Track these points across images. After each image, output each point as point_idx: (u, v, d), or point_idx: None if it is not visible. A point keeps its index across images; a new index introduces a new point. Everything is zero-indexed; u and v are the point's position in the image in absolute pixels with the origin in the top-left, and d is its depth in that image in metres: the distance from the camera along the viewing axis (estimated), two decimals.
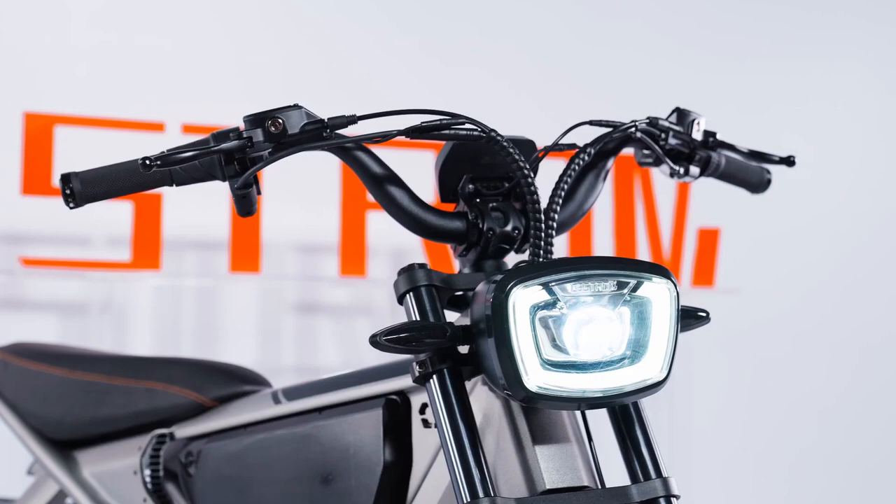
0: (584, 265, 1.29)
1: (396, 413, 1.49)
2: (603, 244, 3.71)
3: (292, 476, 1.60)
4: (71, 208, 1.39)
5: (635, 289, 1.30)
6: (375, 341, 1.29)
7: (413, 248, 3.45)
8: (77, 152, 2.71)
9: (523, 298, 1.26)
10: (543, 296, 1.27)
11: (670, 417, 3.99)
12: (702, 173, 1.63)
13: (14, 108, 3.16)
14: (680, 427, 4.00)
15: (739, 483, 4.10)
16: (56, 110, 3.17)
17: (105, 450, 1.93)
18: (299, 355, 3.66)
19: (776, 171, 4.36)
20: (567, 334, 1.28)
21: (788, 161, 1.66)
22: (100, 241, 3.38)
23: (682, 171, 1.59)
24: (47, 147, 3.08)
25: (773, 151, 1.68)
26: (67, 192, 1.37)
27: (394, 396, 1.50)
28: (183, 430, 1.81)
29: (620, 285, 1.30)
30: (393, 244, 3.64)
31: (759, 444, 4.12)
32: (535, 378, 1.26)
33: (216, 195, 3.26)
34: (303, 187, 3.38)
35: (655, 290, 1.31)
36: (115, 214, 3.21)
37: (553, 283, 1.27)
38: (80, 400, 1.94)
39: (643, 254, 3.73)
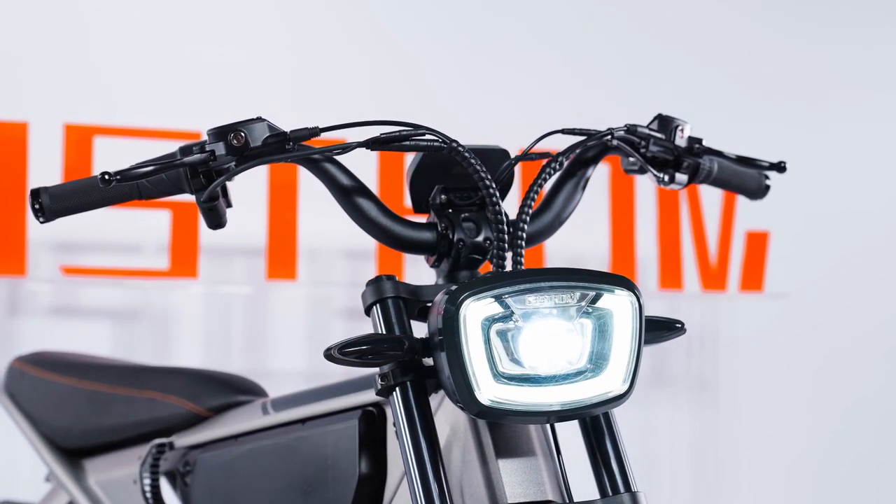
0: (538, 277, 1.27)
1: (372, 425, 1.49)
2: (647, 249, 3.67)
3: (277, 487, 1.61)
4: (41, 223, 1.41)
5: (595, 300, 1.28)
6: (330, 355, 1.28)
7: None
8: (116, 162, 2.74)
9: (475, 311, 1.24)
10: (496, 308, 1.25)
11: (716, 423, 3.93)
12: (691, 180, 1.59)
13: (55, 120, 3.21)
14: (726, 432, 3.94)
15: (787, 489, 4.02)
16: (95, 121, 3.22)
17: (109, 459, 1.96)
18: None
19: (827, 174, 4.24)
20: (522, 347, 1.26)
21: (779, 167, 1.62)
22: (139, 249, 3.43)
23: (666, 178, 1.57)
24: (87, 158, 3.13)
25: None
26: (36, 206, 1.39)
27: (371, 408, 1.50)
28: (181, 440, 1.82)
29: (580, 297, 1.28)
30: None
31: (806, 449, 4.04)
32: (488, 392, 1.24)
33: (250, 203, 3.29)
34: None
35: (617, 302, 1.29)
36: (154, 223, 3.25)
37: (506, 296, 1.25)
38: (86, 409, 1.97)
39: (689, 258, 3.68)
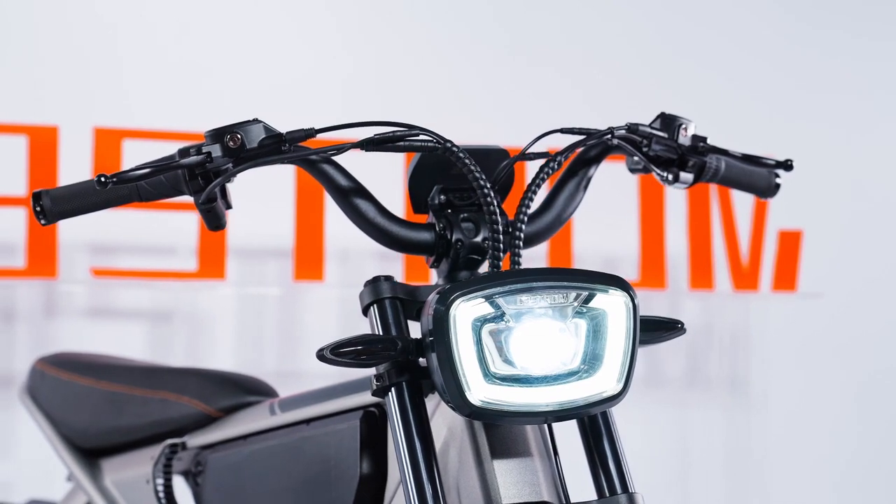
0: (530, 277, 1.26)
1: (374, 425, 1.49)
2: (677, 249, 3.64)
3: (282, 487, 1.62)
4: (43, 224, 1.42)
5: (587, 300, 1.28)
6: (322, 355, 1.29)
7: None
8: None
9: (465, 311, 1.24)
10: (487, 309, 1.25)
11: (748, 424, 3.89)
12: (696, 179, 1.58)
13: (84, 124, 3.25)
14: (758, 433, 3.90)
15: (819, 489, 3.98)
16: (124, 125, 3.25)
17: (124, 459, 1.98)
18: None
19: (861, 172, 4.18)
20: (514, 347, 1.26)
21: (786, 165, 1.60)
22: (167, 251, 3.46)
23: (670, 177, 1.55)
24: (115, 160, 3.15)
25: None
26: (38, 209, 1.41)
27: (373, 409, 1.50)
28: (193, 440, 1.84)
29: (573, 297, 1.27)
30: None
31: (840, 450, 3.99)
32: (479, 392, 1.24)
33: (277, 204, 3.31)
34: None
35: (611, 302, 1.28)
36: (183, 225, 3.27)
37: (497, 296, 1.25)
38: (103, 409, 1.99)
39: (720, 258, 3.65)
